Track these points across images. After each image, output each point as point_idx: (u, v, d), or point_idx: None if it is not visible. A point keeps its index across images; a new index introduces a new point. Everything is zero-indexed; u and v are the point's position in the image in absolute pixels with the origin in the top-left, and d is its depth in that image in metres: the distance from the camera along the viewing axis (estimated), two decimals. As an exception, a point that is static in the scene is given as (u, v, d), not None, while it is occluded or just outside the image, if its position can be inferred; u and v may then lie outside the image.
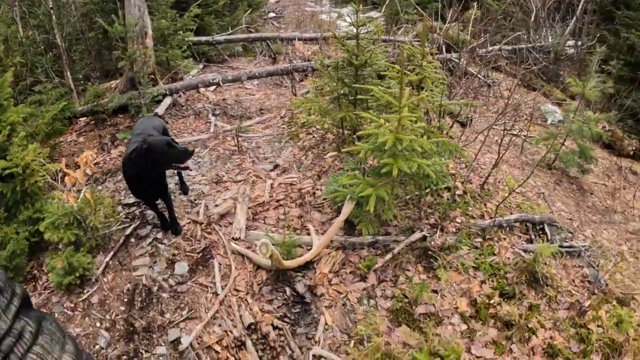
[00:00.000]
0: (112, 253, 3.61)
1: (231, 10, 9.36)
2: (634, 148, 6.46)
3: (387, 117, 3.28)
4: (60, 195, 3.49)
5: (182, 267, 3.52)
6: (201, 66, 7.73)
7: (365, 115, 3.48)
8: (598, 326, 3.24)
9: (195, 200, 4.22)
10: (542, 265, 3.54)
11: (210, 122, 5.70)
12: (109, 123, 5.57)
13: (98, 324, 3.21)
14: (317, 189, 4.39)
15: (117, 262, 3.59)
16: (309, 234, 3.86)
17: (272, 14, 12.29)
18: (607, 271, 3.73)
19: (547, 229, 4.03)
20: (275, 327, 3.18)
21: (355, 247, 3.76)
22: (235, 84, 6.83)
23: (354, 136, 4.64)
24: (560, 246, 3.78)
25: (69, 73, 5.62)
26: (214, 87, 6.45)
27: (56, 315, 3.28)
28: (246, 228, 3.90)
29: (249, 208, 4.12)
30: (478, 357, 3.13)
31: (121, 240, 3.72)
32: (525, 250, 3.78)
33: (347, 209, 3.62)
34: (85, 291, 3.39)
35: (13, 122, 3.66)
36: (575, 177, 5.41)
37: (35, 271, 3.63)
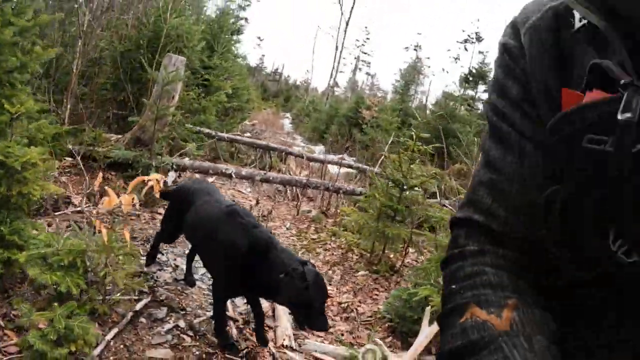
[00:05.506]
0: (114, 331, 2.43)
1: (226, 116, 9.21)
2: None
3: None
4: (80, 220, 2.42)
5: (221, 374, 2.44)
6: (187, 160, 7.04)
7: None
8: None
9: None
10: None
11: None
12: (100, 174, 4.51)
13: None
14: (359, 306, 3.71)
15: (121, 345, 2.41)
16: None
17: (247, 134, 12.32)
18: None
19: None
20: None
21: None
22: (228, 184, 6.34)
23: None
24: None
25: (69, 105, 4.71)
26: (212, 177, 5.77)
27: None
28: (294, 335, 2.99)
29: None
30: None
31: (128, 317, 2.58)
32: None
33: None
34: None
35: None
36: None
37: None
